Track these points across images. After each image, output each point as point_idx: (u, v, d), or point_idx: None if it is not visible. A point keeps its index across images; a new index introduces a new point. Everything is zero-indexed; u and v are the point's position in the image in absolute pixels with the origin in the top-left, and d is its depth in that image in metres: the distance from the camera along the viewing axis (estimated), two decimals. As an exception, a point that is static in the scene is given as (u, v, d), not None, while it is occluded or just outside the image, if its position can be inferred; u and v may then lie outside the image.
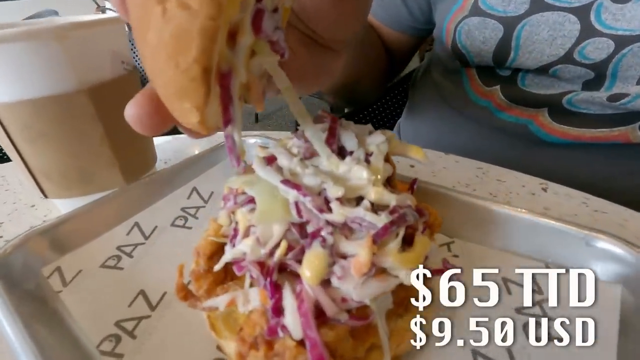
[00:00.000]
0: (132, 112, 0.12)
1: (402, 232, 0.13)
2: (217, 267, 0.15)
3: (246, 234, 0.14)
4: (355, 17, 0.16)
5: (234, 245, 0.14)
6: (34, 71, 0.20)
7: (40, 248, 0.22)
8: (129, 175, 0.27)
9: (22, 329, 0.16)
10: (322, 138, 0.16)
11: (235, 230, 0.15)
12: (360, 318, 0.12)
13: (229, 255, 0.14)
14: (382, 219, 0.13)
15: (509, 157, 0.36)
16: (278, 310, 0.12)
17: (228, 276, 0.16)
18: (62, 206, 0.27)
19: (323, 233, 0.13)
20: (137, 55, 0.59)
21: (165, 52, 0.09)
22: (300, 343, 0.11)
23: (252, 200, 0.14)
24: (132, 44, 0.48)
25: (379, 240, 0.12)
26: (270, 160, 0.16)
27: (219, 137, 0.40)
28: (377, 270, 0.13)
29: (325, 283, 0.12)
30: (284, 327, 0.12)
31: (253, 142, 0.32)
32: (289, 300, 0.12)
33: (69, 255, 0.22)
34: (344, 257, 0.12)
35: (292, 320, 0.11)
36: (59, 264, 0.21)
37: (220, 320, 0.15)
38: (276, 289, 0.12)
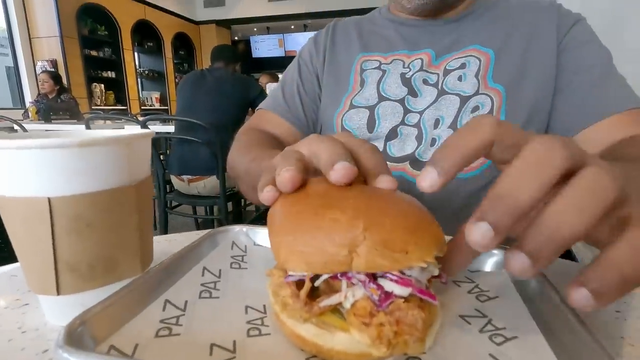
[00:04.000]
0: (271, 195, 0.22)
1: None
2: (318, 282, 0.21)
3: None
4: None
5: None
6: (108, 168, 0.24)
7: (89, 331, 0.21)
8: (144, 265, 0.29)
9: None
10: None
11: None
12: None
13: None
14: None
15: None
16: (386, 293, 0.20)
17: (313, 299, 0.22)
18: (46, 304, 0.26)
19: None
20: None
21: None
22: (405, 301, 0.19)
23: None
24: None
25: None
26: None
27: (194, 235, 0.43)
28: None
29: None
30: (395, 296, 0.19)
31: (238, 229, 0.38)
32: (388, 284, 0.20)
33: (117, 334, 0.22)
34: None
35: (400, 290, 0.20)
36: (111, 342, 0.22)
37: (321, 323, 0.21)
38: (377, 285, 0.20)
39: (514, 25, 0.55)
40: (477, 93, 0.51)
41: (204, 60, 8.34)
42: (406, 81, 0.55)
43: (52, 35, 5.14)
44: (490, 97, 0.51)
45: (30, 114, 3.42)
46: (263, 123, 0.64)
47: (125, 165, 0.26)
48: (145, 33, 6.83)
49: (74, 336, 0.20)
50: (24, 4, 5.06)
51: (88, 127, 2.25)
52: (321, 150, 0.23)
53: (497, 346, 0.21)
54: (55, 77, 3.70)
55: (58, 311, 0.26)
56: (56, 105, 3.55)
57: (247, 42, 9.65)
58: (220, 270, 0.32)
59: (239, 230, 0.38)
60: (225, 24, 8.37)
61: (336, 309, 0.22)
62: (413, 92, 0.55)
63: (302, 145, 0.25)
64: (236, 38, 9.91)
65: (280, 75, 6.03)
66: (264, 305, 0.27)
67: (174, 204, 2.15)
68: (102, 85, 5.94)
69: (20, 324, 0.26)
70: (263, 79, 3.00)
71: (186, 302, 0.27)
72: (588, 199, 0.15)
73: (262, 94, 2.10)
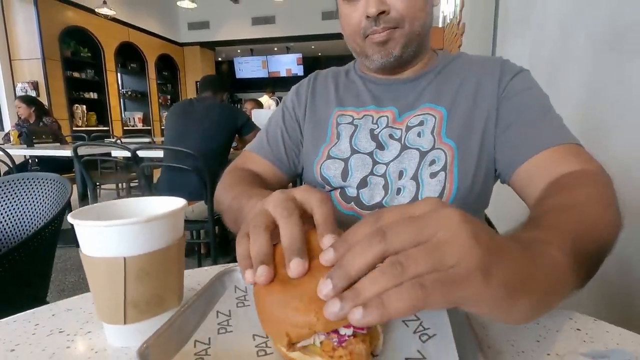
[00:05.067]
0: (251, 281, 0.31)
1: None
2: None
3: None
4: None
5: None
6: (161, 234, 0.35)
7: (151, 355, 0.32)
8: (179, 299, 0.39)
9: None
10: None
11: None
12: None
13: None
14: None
15: None
16: (340, 335, 0.31)
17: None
18: (112, 331, 0.36)
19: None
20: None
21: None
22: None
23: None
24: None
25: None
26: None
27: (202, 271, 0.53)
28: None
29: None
30: (347, 337, 0.30)
31: (239, 270, 0.48)
32: (341, 330, 0.31)
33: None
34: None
35: (348, 331, 0.30)
36: (168, 365, 0.32)
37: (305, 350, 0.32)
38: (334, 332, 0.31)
39: (462, 83, 0.63)
40: (433, 148, 0.60)
41: (188, 81, 8.44)
42: (374, 137, 0.64)
43: (34, 58, 5.15)
44: (444, 151, 0.60)
45: (12, 138, 3.42)
46: (248, 163, 0.73)
47: (172, 230, 0.36)
48: (128, 54, 6.90)
49: (144, 356, 0.30)
50: (5, 27, 5.07)
51: (76, 154, 2.29)
52: (281, 229, 0.31)
53: (422, 343, 0.33)
54: (28, 101, 3.65)
55: (121, 336, 0.36)
56: (38, 129, 3.55)
57: (231, 63, 9.84)
58: (229, 310, 0.41)
59: (240, 272, 0.48)
60: (209, 45, 8.54)
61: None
62: (380, 146, 0.63)
63: (268, 205, 0.33)
64: (220, 59, 10.09)
65: (263, 99, 6.14)
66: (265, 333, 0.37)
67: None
68: (84, 107, 5.94)
69: (92, 345, 0.36)
70: (248, 105, 3.12)
71: (209, 338, 0.37)
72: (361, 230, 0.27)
73: (248, 122, 2.21)
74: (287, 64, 9.43)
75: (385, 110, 0.66)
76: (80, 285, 2.09)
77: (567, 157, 0.53)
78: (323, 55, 10.06)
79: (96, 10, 5.55)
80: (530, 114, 0.58)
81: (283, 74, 9.53)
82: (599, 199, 0.42)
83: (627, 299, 0.82)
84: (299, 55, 9.28)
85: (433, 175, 0.60)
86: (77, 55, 5.84)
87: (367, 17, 0.58)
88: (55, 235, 1.05)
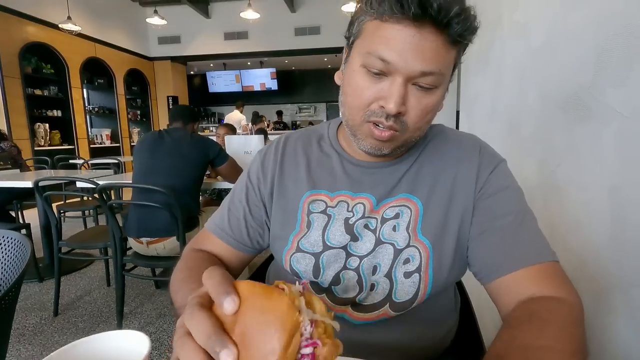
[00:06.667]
0: None
1: None
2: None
3: None
4: None
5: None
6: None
7: None
8: None
9: None
10: None
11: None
12: None
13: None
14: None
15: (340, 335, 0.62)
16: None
17: None
18: None
19: None
20: None
21: None
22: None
23: None
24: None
25: None
26: None
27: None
28: None
29: None
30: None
31: None
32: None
33: None
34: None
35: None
36: None
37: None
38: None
39: (439, 174, 0.60)
40: (408, 245, 0.57)
41: (159, 96, 8.24)
42: (349, 228, 0.60)
43: (-9, 76, 4.88)
44: (419, 250, 0.57)
45: (-35, 166, 3.20)
46: (207, 244, 0.67)
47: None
48: (95, 70, 6.67)
49: None
50: (-41, 44, 4.78)
51: (37, 187, 2.18)
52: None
53: None
54: None
55: None
56: (-5, 154, 3.35)
57: (204, 77, 9.71)
58: None
59: None
60: (180, 60, 8.39)
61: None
62: (355, 238, 0.60)
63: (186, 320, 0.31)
64: (192, 72, 9.94)
65: (232, 114, 6.00)
66: None
67: (130, 265, 2.12)
68: (47, 125, 5.66)
69: None
70: (220, 130, 3.08)
71: None
72: None
73: (221, 153, 2.17)
74: (260, 78, 9.41)
75: (361, 197, 0.61)
76: (42, 328, 1.98)
77: (542, 279, 0.51)
78: (297, 69, 10.13)
79: (60, 25, 5.33)
80: (506, 220, 0.56)
81: (257, 88, 9.50)
82: (565, 346, 0.41)
83: None
84: (273, 70, 9.28)
85: (407, 275, 0.58)
86: (39, 72, 5.56)
87: (382, 107, 0.51)
88: (13, 304, 0.99)
